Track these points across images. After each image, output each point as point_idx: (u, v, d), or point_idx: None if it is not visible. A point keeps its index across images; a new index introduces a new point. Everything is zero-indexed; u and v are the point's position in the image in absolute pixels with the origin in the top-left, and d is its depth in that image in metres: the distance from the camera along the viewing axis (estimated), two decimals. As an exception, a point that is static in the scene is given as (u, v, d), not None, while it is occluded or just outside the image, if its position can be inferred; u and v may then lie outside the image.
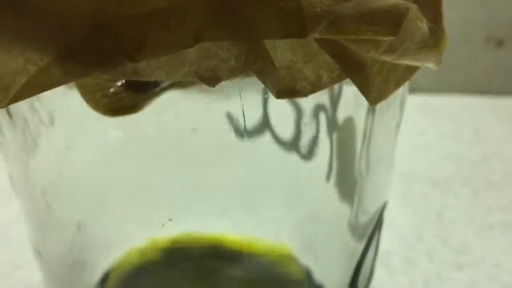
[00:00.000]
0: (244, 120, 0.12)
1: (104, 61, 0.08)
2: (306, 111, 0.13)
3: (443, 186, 0.28)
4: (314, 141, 0.14)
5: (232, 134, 0.13)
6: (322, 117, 0.13)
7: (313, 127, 0.13)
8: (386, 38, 0.09)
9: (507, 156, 0.31)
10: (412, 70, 0.11)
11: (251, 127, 0.13)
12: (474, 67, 0.35)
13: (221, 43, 0.08)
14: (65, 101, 0.12)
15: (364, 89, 0.10)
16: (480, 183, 0.28)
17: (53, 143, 0.12)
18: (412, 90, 0.35)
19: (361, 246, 0.14)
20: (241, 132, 0.13)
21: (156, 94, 0.12)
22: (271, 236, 0.16)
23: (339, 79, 0.10)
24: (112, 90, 0.12)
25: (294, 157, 0.14)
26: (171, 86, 0.12)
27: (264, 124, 0.13)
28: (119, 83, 0.12)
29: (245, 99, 0.12)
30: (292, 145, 0.14)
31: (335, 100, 0.13)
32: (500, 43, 0.34)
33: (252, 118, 0.12)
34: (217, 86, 0.08)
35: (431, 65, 0.11)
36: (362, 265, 0.14)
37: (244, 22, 0.07)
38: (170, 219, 0.13)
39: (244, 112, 0.12)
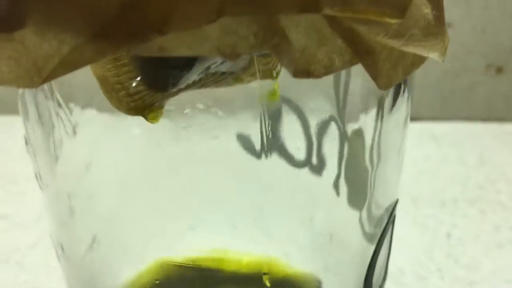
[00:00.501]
0: (264, 138, 0.13)
1: (133, 37, 0.08)
2: (314, 126, 0.13)
3: (451, 207, 0.28)
4: (323, 155, 0.14)
5: (244, 154, 0.13)
6: (331, 130, 0.14)
7: (322, 141, 0.14)
8: (393, 21, 0.09)
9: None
10: (419, 60, 0.12)
11: (262, 147, 0.13)
12: (476, 95, 0.36)
13: (241, 20, 0.09)
14: (87, 116, 0.13)
15: (374, 74, 0.10)
16: (487, 204, 0.29)
17: (74, 154, 0.13)
18: (417, 118, 0.36)
19: (373, 246, 0.14)
20: (255, 151, 0.13)
21: (173, 94, 0.13)
22: (283, 253, 0.16)
23: (350, 63, 0.10)
24: (133, 87, 0.12)
25: (304, 173, 0.14)
26: (187, 87, 0.12)
27: (275, 143, 0.13)
28: (138, 79, 0.12)
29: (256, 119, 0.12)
30: (303, 161, 0.14)
31: (342, 112, 0.14)
32: (499, 70, 0.35)
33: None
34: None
35: (436, 56, 0.11)
36: (375, 263, 0.14)
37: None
38: (182, 238, 0.14)
39: (263, 131, 0.12)
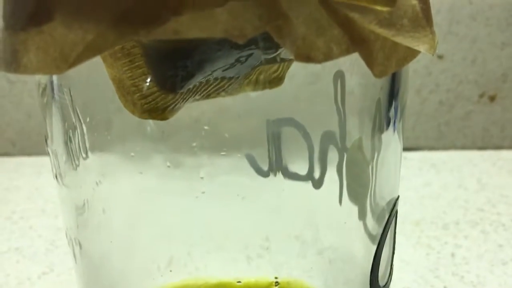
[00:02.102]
0: (272, 157, 0.13)
1: (151, 20, 0.09)
2: (317, 142, 0.14)
3: (454, 229, 0.29)
4: (325, 168, 0.15)
5: (248, 175, 0.14)
6: (331, 145, 0.14)
7: (323, 154, 0.14)
8: (384, 9, 0.10)
9: (511, 199, 0.31)
10: (411, 54, 0.12)
11: (266, 167, 0.14)
12: (471, 123, 0.37)
13: (247, 4, 0.10)
14: (100, 140, 0.13)
15: (369, 62, 0.11)
16: (489, 225, 0.29)
17: (87, 174, 0.13)
18: (416, 148, 0.37)
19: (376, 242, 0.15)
20: (262, 171, 0.14)
21: (184, 97, 0.14)
22: (291, 271, 0.16)
23: (347, 52, 0.11)
24: (147, 87, 0.13)
25: (308, 188, 0.15)
26: (193, 93, 0.13)
27: (280, 161, 0.14)
28: (150, 80, 0.13)
29: (259, 140, 0.13)
30: (306, 176, 0.15)
31: (343, 125, 0.14)
32: (492, 98, 0.36)
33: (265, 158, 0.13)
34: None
35: (425, 48, 0.12)
36: (379, 259, 0.14)
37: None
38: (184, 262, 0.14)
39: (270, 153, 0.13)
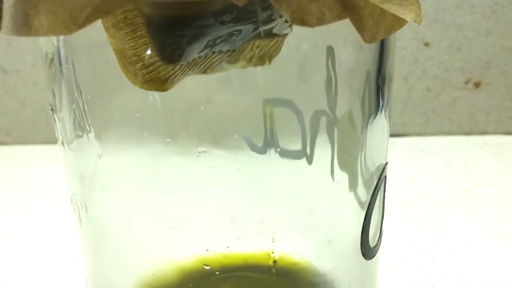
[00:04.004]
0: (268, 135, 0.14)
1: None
2: (308, 118, 0.15)
3: (441, 209, 0.30)
4: (314, 144, 0.15)
5: (244, 152, 0.14)
6: (323, 120, 0.15)
7: (315, 130, 0.15)
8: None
9: (497, 182, 0.32)
10: (398, 23, 0.13)
11: (262, 145, 0.15)
12: (457, 110, 0.38)
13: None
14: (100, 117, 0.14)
15: (359, 28, 0.12)
16: (475, 205, 0.30)
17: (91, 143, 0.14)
18: (403, 134, 0.38)
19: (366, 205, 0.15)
20: (257, 149, 0.14)
21: (184, 70, 0.14)
22: (287, 244, 0.17)
23: (339, 17, 0.12)
24: (148, 56, 0.14)
25: (301, 164, 0.15)
26: (192, 66, 0.14)
27: (272, 141, 0.14)
28: (152, 49, 0.14)
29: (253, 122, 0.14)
30: (299, 153, 0.15)
31: (333, 102, 0.15)
32: (477, 84, 0.37)
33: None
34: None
35: (411, 17, 0.13)
36: (369, 219, 0.15)
37: None
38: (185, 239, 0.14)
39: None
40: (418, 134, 0.38)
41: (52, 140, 0.40)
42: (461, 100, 0.37)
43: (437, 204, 0.30)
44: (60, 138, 0.14)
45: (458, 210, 0.30)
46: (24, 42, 0.37)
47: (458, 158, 0.35)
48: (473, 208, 0.30)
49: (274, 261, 0.15)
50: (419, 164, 0.35)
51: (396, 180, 0.33)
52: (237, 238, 0.15)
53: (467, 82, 0.37)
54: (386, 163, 0.16)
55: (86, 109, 0.14)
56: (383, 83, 0.15)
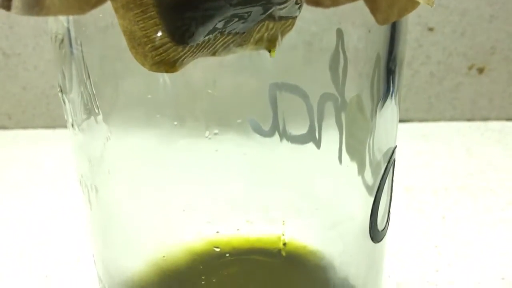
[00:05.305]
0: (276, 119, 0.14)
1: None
2: (316, 102, 0.15)
3: (444, 194, 0.30)
4: (321, 127, 0.15)
5: (251, 137, 0.14)
6: (331, 104, 0.15)
7: (323, 114, 0.15)
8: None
9: (500, 167, 0.32)
10: (411, 4, 0.13)
11: (268, 130, 0.14)
12: (460, 95, 0.38)
13: None
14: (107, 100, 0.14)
15: (373, 9, 0.12)
16: (477, 189, 0.30)
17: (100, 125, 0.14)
18: (406, 120, 0.38)
19: (375, 189, 0.15)
20: (264, 133, 0.14)
21: (194, 51, 0.14)
22: (294, 228, 0.17)
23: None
24: (159, 38, 0.13)
25: (308, 149, 0.15)
26: (201, 48, 0.14)
27: (279, 126, 0.14)
28: (162, 31, 0.13)
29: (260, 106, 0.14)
30: (306, 137, 0.15)
31: (341, 86, 0.15)
32: (481, 70, 0.37)
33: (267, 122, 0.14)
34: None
35: (424, 0, 0.13)
36: (378, 204, 0.15)
37: None
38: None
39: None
40: (421, 120, 0.38)
41: (54, 125, 0.40)
42: (464, 86, 0.37)
43: (439, 189, 0.30)
44: (70, 120, 0.14)
45: (460, 195, 0.30)
46: (26, 25, 0.37)
47: (460, 143, 0.35)
48: (476, 193, 0.30)
49: (284, 244, 0.15)
50: (421, 150, 0.35)
51: (397, 165, 0.33)
52: (247, 221, 0.15)
53: (470, 68, 0.36)
54: (395, 147, 0.16)
55: (94, 92, 0.14)
56: (394, 67, 0.15)
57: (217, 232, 0.14)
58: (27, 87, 0.39)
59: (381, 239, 0.16)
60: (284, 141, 0.15)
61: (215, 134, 0.14)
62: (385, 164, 0.15)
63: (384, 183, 0.15)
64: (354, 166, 0.15)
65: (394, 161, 0.15)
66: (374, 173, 0.16)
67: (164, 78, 0.15)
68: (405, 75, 0.37)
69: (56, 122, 0.40)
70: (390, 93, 0.15)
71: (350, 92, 0.15)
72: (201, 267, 0.15)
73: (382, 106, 0.15)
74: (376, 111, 0.15)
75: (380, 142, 0.15)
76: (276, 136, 0.14)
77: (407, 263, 0.24)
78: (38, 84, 0.38)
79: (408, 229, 0.26)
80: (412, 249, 0.25)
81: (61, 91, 0.14)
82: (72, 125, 0.14)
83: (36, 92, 0.39)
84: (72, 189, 0.31)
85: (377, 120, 0.15)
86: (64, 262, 0.24)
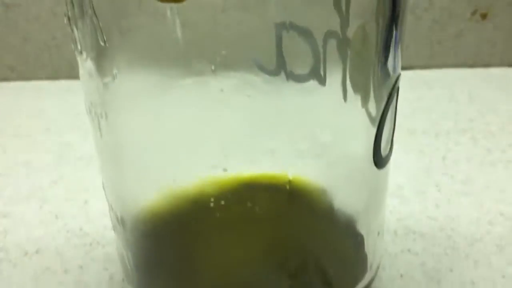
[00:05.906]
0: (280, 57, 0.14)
1: None
2: (320, 39, 0.15)
3: (445, 136, 0.30)
4: (325, 65, 0.15)
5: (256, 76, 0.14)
6: (334, 40, 0.15)
7: (327, 50, 0.15)
8: None
9: (500, 111, 0.33)
10: None
11: (273, 69, 0.14)
12: (463, 42, 0.38)
13: None
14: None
15: None
16: (478, 132, 0.30)
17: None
18: (408, 67, 0.38)
19: (379, 116, 0.16)
20: (269, 73, 0.14)
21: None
22: (298, 166, 0.17)
23: None
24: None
25: (312, 87, 0.15)
26: None
27: (283, 65, 0.14)
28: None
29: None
30: (311, 75, 0.15)
31: (346, 16, 0.15)
32: (484, 16, 0.36)
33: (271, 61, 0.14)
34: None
35: None
36: (382, 129, 0.15)
37: None
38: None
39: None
40: (423, 67, 0.39)
41: (56, 76, 0.40)
42: (467, 32, 0.37)
43: (441, 132, 0.31)
44: (79, 47, 0.14)
45: (461, 137, 0.30)
46: (25, -26, 0.36)
47: (462, 89, 0.35)
48: (476, 135, 0.30)
49: (289, 181, 0.15)
50: (423, 95, 0.35)
51: (399, 110, 0.33)
52: (251, 160, 0.15)
53: (473, 13, 0.36)
54: (399, 75, 0.16)
55: (100, 25, 0.14)
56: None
57: (225, 170, 0.15)
58: (28, 38, 0.38)
59: (384, 165, 0.16)
60: (290, 81, 0.15)
61: (219, 74, 0.14)
62: (390, 91, 0.15)
63: (388, 109, 0.15)
64: (358, 100, 0.16)
65: (398, 88, 0.16)
66: (378, 103, 0.16)
67: (169, 14, 0.14)
68: (408, 22, 0.37)
69: (58, 73, 0.40)
70: (395, 20, 0.15)
71: (355, 25, 0.15)
72: (210, 191, 0.15)
73: (387, 32, 0.15)
74: (380, 39, 0.15)
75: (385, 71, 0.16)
76: (282, 75, 0.15)
77: (407, 200, 0.24)
78: (39, 35, 0.38)
79: (409, 169, 0.27)
80: (413, 188, 0.25)
81: (69, 19, 0.14)
82: (81, 52, 0.14)
83: (38, 43, 0.39)
84: (76, 138, 0.32)
85: (381, 51, 0.15)
86: (71, 199, 0.25)
